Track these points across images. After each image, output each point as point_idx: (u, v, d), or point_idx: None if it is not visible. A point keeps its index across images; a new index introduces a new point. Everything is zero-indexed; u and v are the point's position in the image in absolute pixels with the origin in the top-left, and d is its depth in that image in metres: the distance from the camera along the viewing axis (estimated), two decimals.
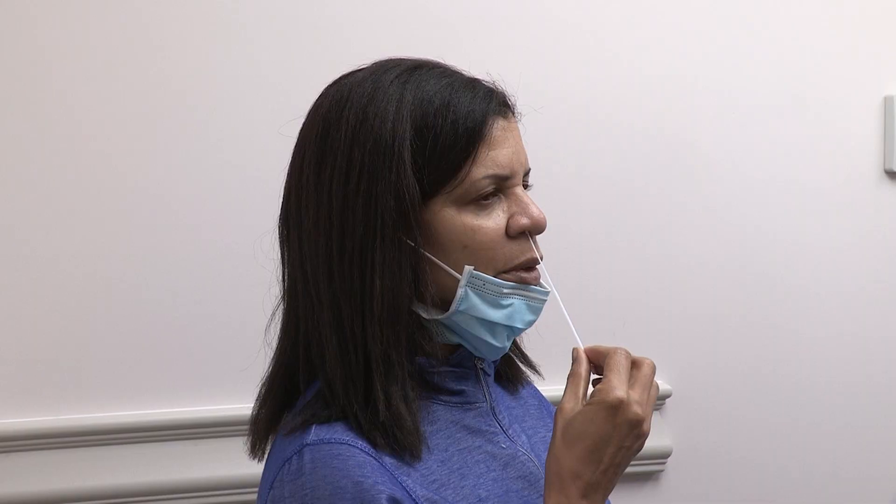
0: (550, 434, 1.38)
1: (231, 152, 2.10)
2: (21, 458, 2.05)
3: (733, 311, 2.29)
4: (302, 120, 1.27)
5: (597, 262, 2.24)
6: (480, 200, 1.19)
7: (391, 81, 1.20)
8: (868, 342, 2.31)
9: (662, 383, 2.32)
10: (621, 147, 2.26)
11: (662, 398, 2.31)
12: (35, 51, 2.04)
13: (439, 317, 1.21)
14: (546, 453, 1.32)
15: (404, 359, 1.18)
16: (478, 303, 1.20)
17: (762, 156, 2.33)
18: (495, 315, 1.22)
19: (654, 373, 1.20)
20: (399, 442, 1.16)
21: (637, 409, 1.15)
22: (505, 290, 1.21)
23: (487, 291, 1.20)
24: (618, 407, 1.15)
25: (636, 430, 1.16)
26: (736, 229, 2.32)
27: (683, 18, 2.29)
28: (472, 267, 1.19)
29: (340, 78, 1.26)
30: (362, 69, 1.26)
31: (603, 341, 2.23)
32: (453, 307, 1.20)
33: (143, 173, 2.09)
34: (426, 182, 1.17)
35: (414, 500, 1.14)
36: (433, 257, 1.19)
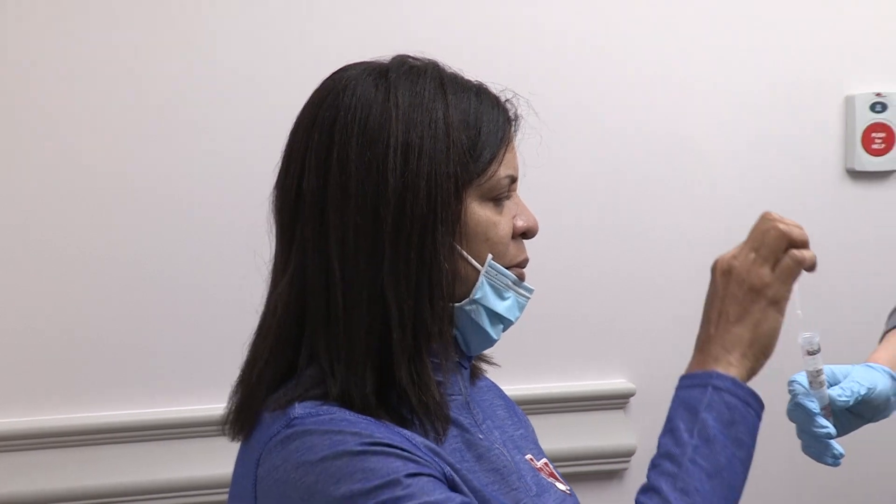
0: (521, 431, 1.41)
1: (233, 151, 2.10)
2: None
3: (697, 309, 2.30)
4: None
5: (562, 261, 2.24)
6: (499, 198, 1.26)
7: (433, 72, 1.26)
8: (831, 339, 2.32)
9: (626, 381, 2.33)
10: (585, 148, 2.27)
11: (626, 396, 2.32)
12: (25, 50, 2.03)
13: (459, 304, 1.25)
14: (518, 451, 1.35)
15: (449, 339, 1.24)
16: (489, 293, 1.26)
17: (725, 155, 2.35)
18: (500, 307, 1.27)
19: (770, 228, 1.23)
20: (430, 421, 1.21)
21: (725, 259, 1.24)
22: (510, 283, 1.27)
23: (498, 283, 1.26)
24: (712, 269, 1.25)
25: (729, 277, 1.22)
26: (699, 228, 2.33)
27: (646, 15, 2.30)
28: (491, 256, 1.25)
29: (352, 65, 1.28)
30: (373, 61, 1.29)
31: (563, 344, 2.25)
32: (472, 295, 1.25)
33: (133, 171, 2.10)
34: (463, 173, 1.23)
35: (414, 444, 1.17)
36: (458, 246, 1.23)
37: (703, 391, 1.18)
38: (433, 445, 1.20)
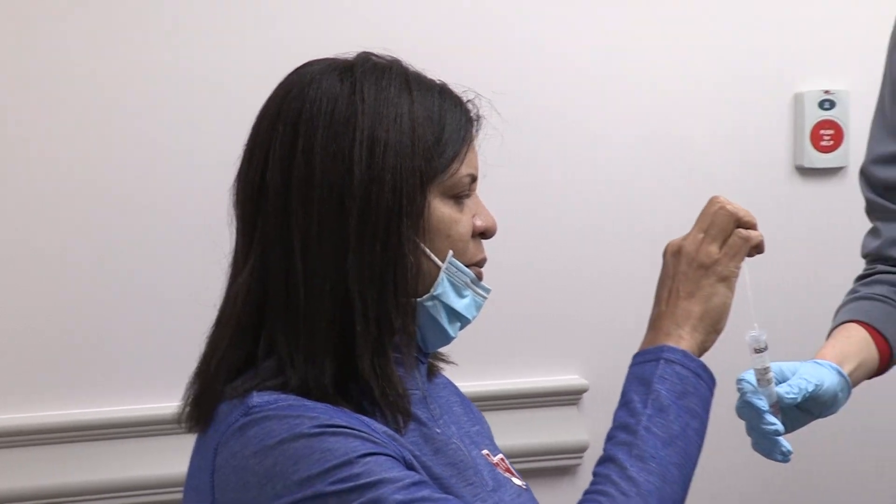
0: (477, 427, 1.42)
1: (217, 150, 2.09)
2: None
3: (647, 306, 2.32)
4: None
5: (515, 259, 2.25)
6: (460, 196, 1.27)
7: (398, 70, 1.27)
8: (779, 335, 2.34)
9: (578, 378, 2.34)
10: (537, 145, 2.27)
11: (579, 393, 2.33)
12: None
13: (419, 299, 1.25)
14: (475, 447, 1.35)
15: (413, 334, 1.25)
16: (449, 290, 1.27)
17: (676, 152, 2.36)
18: (459, 304, 1.28)
19: (718, 209, 1.30)
20: (392, 413, 1.21)
21: (675, 241, 1.29)
22: (469, 282, 1.28)
23: (458, 280, 1.27)
24: (663, 253, 1.30)
25: (679, 257, 1.28)
26: (650, 224, 2.35)
27: (602, 16, 2.31)
28: (452, 253, 1.26)
29: (316, 61, 1.29)
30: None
31: (517, 341, 2.26)
32: (432, 291, 1.26)
33: (90, 167, 2.09)
34: (427, 168, 1.24)
35: (373, 429, 1.17)
36: (420, 241, 1.24)
37: (656, 365, 1.22)
38: (392, 433, 1.20)
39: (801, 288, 2.42)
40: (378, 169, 1.20)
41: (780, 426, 1.42)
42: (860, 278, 1.78)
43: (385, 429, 1.20)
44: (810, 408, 1.50)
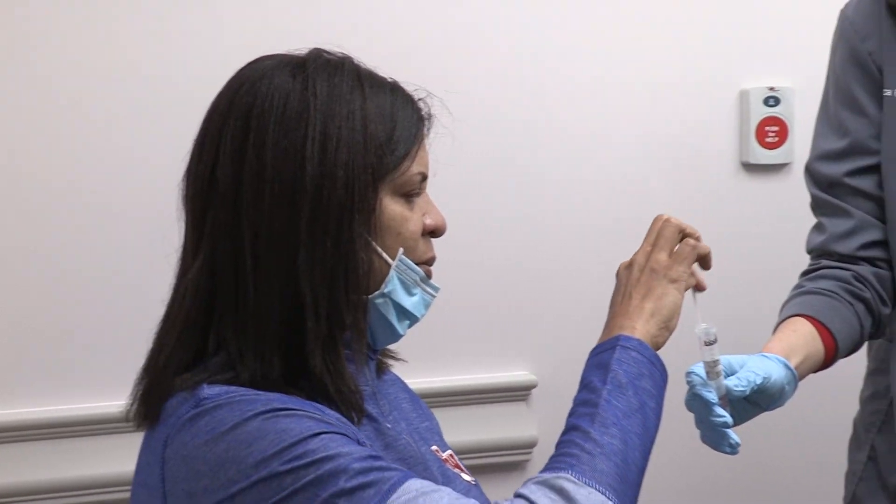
0: (426, 424, 1.43)
1: (164, 144, 2.08)
2: None
3: (596, 302, 2.32)
4: None
5: (463, 256, 2.25)
6: (411, 194, 1.28)
7: (350, 67, 1.27)
8: (726, 329, 2.35)
9: (527, 374, 2.34)
10: (487, 143, 2.27)
11: (528, 388, 2.33)
12: None
13: (369, 296, 1.25)
14: (424, 443, 1.36)
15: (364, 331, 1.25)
16: (399, 287, 1.27)
17: (624, 150, 2.37)
18: (408, 302, 1.28)
19: (665, 224, 1.35)
20: (346, 408, 1.22)
21: (625, 260, 1.34)
22: (418, 280, 1.29)
23: (407, 278, 1.28)
24: (617, 273, 1.35)
25: (630, 269, 1.32)
26: (599, 221, 2.36)
27: (551, 15, 2.32)
28: (402, 251, 1.26)
29: (267, 56, 1.29)
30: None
31: (465, 337, 2.27)
32: (382, 288, 1.26)
33: (33, 163, 2.08)
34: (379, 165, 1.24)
35: (326, 414, 1.17)
36: (370, 238, 1.24)
37: (612, 351, 1.25)
38: (345, 420, 1.20)
39: (746, 282, 2.44)
40: (330, 165, 1.20)
41: (728, 419, 1.43)
42: (805, 273, 1.80)
43: (338, 415, 1.20)
44: (758, 400, 1.52)
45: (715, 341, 1.41)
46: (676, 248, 1.33)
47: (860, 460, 1.85)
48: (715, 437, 1.45)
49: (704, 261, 1.35)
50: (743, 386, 1.46)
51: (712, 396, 1.43)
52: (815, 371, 1.66)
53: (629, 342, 1.25)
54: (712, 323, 1.40)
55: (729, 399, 1.46)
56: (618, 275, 1.35)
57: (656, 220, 1.36)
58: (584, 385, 1.25)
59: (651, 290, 1.30)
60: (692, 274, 1.33)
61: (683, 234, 1.33)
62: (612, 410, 1.20)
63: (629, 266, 1.33)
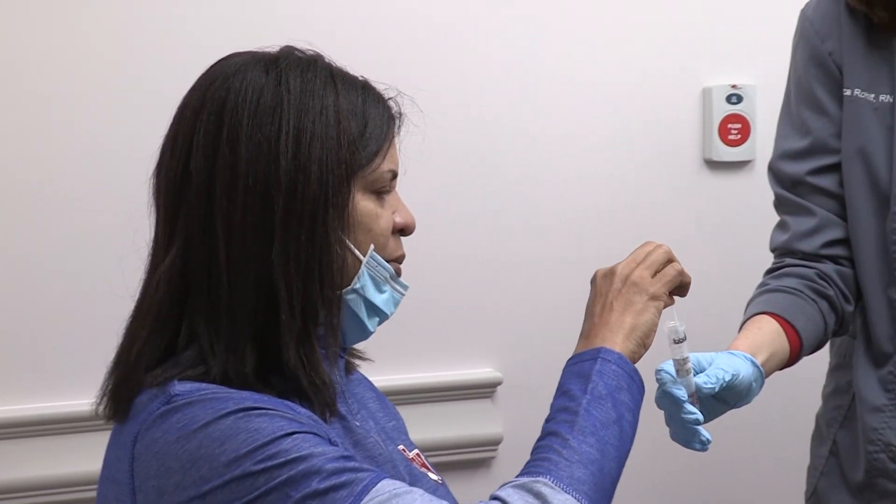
0: (393, 423, 1.43)
1: (134, 139, 2.07)
2: None
3: (561, 299, 2.34)
4: None
5: (428, 253, 2.25)
6: (381, 192, 1.29)
7: (322, 64, 1.28)
8: (691, 328, 2.36)
9: (492, 371, 2.35)
10: (451, 140, 2.27)
11: (493, 386, 2.34)
12: None
13: (338, 292, 1.25)
14: (391, 442, 1.36)
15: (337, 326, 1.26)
16: (369, 284, 1.28)
17: (589, 147, 2.38)
18: (378, 299, 1.29)
19: (655, 248, 1.36)
20: (319, 402, 1.22)
21: (604, 267, 1.34)
22: (388, 277, 1.30)
23: (378, 275, 1.29)
24: (592, 279, 1.35)
25: (612, 277, 1.32)
26: (563, 217, 2.36)
27: (520, 15, 2.32)
28: (373, 247, 1.27)
29: (239, 53, 1.30)
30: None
31: (430, 335, 2.27)
32: (353, 284, 1.27)
33: (20, 160, 2.06)
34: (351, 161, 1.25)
35: (297, 412, 1.18)
36: (342, 234, 1.25)
37: (594, 362, 1.26)
38: (316, 417, 1.21)
39: (710, 279, 2.45)
40: (304, 159, 1.21)
41: (699, 415, 1.44)
42: (770, 271, 1.81)
43: (309, 413, 1.20)
44: (726, 397, 1.53)
45: (684, 339, 1.42)
46: (662, 269, 1.34)
47: (822, 455, 1.86)
48: (686, 434, 1.46)
49: (682, 289, 1.37)
50: (712, 383, 1.47)
51: (682, 394, 1.43)
52: (781, 368, 1.67)
53: (610, 355, 1.26)
54: (681, 321, 1.41)
55: (699, 396, 1.47)
56: (595, 282, 1.35)
57: (646, 244, 1.37)
58: (563, 392, 1.25)
59: (632, 303, 1.31)
60: (670, 296, 1.35)
61: (670, 261, 1.36)
62: (591, 420, 1.21)
63: (609, 275, 1.33)
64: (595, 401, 1.23)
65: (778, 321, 1.68)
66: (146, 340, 1.22)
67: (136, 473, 1.16)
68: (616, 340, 1.28)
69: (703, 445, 1.46)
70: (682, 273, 1.35)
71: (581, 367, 1.26)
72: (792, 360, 1.69)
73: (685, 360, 1.44)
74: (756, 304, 1.73)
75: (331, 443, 1.17)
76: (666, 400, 1.45)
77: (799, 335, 1.68)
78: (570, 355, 1.30)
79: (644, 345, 1.31)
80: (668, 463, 2.41)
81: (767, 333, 1.66)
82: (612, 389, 1.24)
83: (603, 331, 1.29)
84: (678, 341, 1.42)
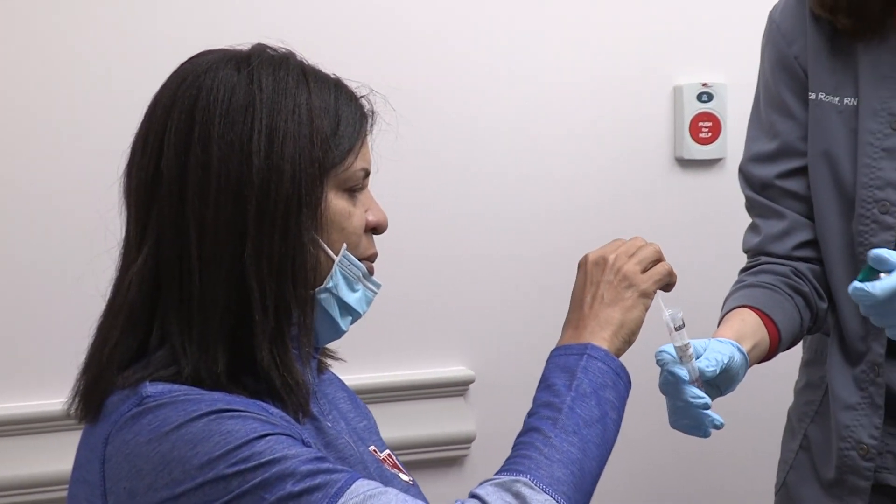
0: (364, 423, 1.43)
1: (104, 138, 2.06)
2: None
3: (532, 297, 2.34)
4: None
5: (399, 251, 2.25)
6: (354, 190, 1.28)
7: (294, 62, 1.28)
8: (663, 331, 2.37)
9: (464, 369, 2.35)
10: (423, 138, 2.27)
11: (465, 384, 2.34)
12: None
13: (311, 291, 1.25)
14: (362, 443, 1.36)
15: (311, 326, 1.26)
16: (342, 283, 1.28)
17: (561, 146, 2.38)
18: (351, 298, 1.29)
19: (647, 244, 1.36)
20: (293, 402, 1.22)
21: (595, 252, 1.34)
22: (361, 276, 1.30)
23: (350, 274, 1.28)
24: (581, 263, 1.35)
25: (604, 266, 1.32)
26: (535, 215, 2.37)
27: (492, 13, 2.32)
28: (346, 246, 1.27)
29: (210, 51, 1.29)
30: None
31: (402, 333, 2.27)
32: (325, 283, 1.26)
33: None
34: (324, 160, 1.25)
35: (270, 413, 1.18)
36: (315, 233, 1.24)
37: (580, 358, 1.26)
38: (289, 418, 1.21)
39: (681, 277, 2.44)
40: (277, 158, 1.21)
41: (707, 399, 1.45)
42: (745, 269, 1.82)
43: (282, 413, 1.20)
44: (719, 383, 1.54)
45: (683, 325, 1.42)
46: (653, 267, 1.35)
47: (792, 449, 1.88)
48: (694, 419, 1.46)
49: (667, 289, 1.38)
50: (714, 366, 1.48)
51: (685, 373, 1.44)
52: (759, 362, 1.68)
53: (597, 352, 1.27)
54: (677, 307, 1.42)
55: (702, 381, 1.47)
56: (584, 267, 1.35)
57: (636, 238, 1.37)
58: (548, 385, 1.26)
59: (621, 298, 1.31)
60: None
61: (660, 261, 1.36)
62: (574, 418, 1.21)
63: (601, 263, 1.33)
64: (579, 398, 1.23)
65: (758, 314, 1.69)
66: (118, 341, 1.22)
67: (107, 475, 1.16)
68: (604, 336, 1.28)
69: (713, 429, 1.47)
70: (671, 274, 1.36)
71: (567, 360, 1.27)
72: (771, 353, 1.70)
73: (687, 346, 1.44)
74: (735, 299, 1.74)
75: (304, 444, 1.17)
76: (670, 385, 1.45)
77: (778, 329, 1.69)
78: (542, 354, 1.31)
79: (630, 342, 1.31)
80: (643, 454, 2.42)
81: (750, 325, 1.67)
82: (597, 387, 1.24)
83: (592, 323, 1.30)
84: (679, 328, 1.42)
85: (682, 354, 1.44)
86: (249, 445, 1.12)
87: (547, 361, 1.29)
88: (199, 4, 2.14)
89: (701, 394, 1.45)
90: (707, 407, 1.45)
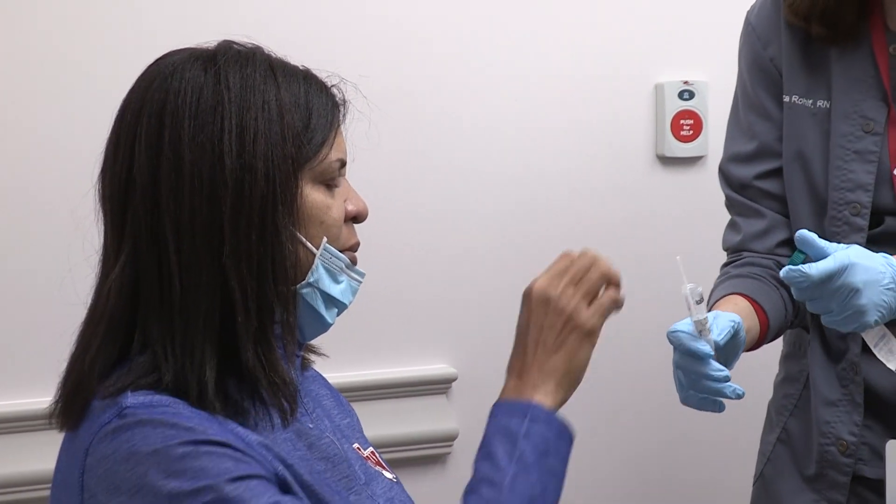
0: (348, 420, 1.43)
1: (81, 143, 2.04)
2: None
3: (515, 295, 2.34)
4: None
5: (381, 248, 2.25)
6: (331, 182, 1.28)
7: (261, 57, 1.27)
8: (646, 322, 2.38)
9: (447, 367, 2.35)
10: (405, 134, 2.27)
11: (448, 381, 2.34)
12: None
13: (293, 287, 1.25)
14: (346, 441, 1.36)
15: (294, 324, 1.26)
16: (325, 276, 1.27)
17: (542, 142, 2.38)
18: (335, 290, 1.29)
19: (591, 264, 1.26)
20: (279, 400, 1.22)
21: (540, 287, 1.26)
22: (344, 267, 1.29)
23: (333, 266, 1.28)
24: (526, 295, 1.27)
25: (547, 307, 1.25)
26: (516, 212, 2.37)
27: (470, 5, 2.32)
28: (326, 239, 1.26)
29: (176, 51, 1.28)
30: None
31: (384, 331, 2.27)
32: (308, 278, 1.26)
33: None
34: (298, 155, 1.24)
35: (247, 442, 1.17)
36: (294, 229, 1.24)
37: (522, 421, 1.22)
38: (266, 442, 1.20)
39: (662, 274, 2.46)
40: (249, 157, 1.21)
41: (727, 371, 1.45)
42: (728, 264, 1.84)
43: (259, 439, 1.19)
44: (726, 355, 1.55)
45: (703, 299, 1.41)
46: (599, 300, 1.27)
47: (770, 441, 1.89)
48: (713, 392, 1.47)
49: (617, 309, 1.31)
50: (724, 334, 1.49)
51: (707, 349, 1.43)
52: (748, 349, 1.68)
53: (539, 413, 1.22)
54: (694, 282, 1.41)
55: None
56: (528, 303, 1.27)
57: (582, 255, 1.28)
58: (488, 455, 1.21)
59: (566, 343, 1.24)
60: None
61: (608, 282, 1.27)
62: (515, 499, 1.18)
63: (544, 303, 1.25)
64: (521, 473, 1.19)
65: (749, 301, 1.70)
66: (99, 348, 1.22)
67: (85, 485, 1.17)
68: (548, 389, 1.23)
69: (722, 406, 1.47)
70: (616, 301, 1.28)
71: (510, 422, 1.22)
72: (760, 340, 1.71)
73: (705, 320, 1.43)
74: (724, 287, 1.75)
75: (277, 478, 1.17)
76: (687, 360, 1.44)
77: (767, 317, 1.71)
78: None
79: (575, 386, 1.26)
80: (622, 446, 2.42)
81: (743, 309, 1.68)
82: (538, 455, 1.20)
83: (535, 375, 1.24)
84: (698, 302, 1.41)
85: (702, 328, 1.43)
86: (219, 488, 1.11)
87: (489, 417, 1.25)
88: (172, 3, 2.13)
89: (721, 367, 1.45)
90: (728, 379, 1.45)
